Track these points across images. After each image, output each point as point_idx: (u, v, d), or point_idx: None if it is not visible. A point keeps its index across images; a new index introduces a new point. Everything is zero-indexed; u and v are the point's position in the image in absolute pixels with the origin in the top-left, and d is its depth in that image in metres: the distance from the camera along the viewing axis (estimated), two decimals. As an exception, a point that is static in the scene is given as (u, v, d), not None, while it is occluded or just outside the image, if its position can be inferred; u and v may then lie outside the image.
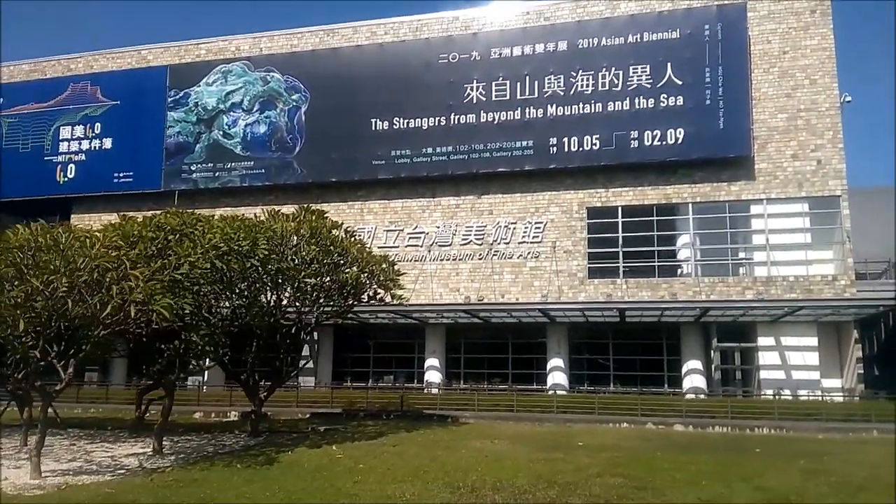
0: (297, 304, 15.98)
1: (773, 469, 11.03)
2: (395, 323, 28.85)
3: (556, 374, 27.40)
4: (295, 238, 14.39)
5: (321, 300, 16.29)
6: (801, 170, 26.01)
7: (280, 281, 14.70)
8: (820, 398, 23.08)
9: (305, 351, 29.54)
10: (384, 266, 16.71)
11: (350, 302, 17.09)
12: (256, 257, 13.05)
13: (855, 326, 24.48)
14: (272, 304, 15.33)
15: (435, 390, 27.16)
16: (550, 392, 26.36)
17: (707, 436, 17.58)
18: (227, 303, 14.17)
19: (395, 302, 18.09)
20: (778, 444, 15.05)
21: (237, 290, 14.05)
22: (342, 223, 16.78)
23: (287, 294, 15.47)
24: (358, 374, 29.92)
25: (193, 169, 31.52)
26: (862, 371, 24.17)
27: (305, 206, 16.08)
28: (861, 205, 36.42)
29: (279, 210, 15.29)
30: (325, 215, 15.66)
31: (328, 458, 12.01)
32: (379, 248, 29.00)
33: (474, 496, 8.59)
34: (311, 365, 29.40)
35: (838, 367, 25.31)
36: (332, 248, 14.89)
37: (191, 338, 12.80)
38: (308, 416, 21.36)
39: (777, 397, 23.07)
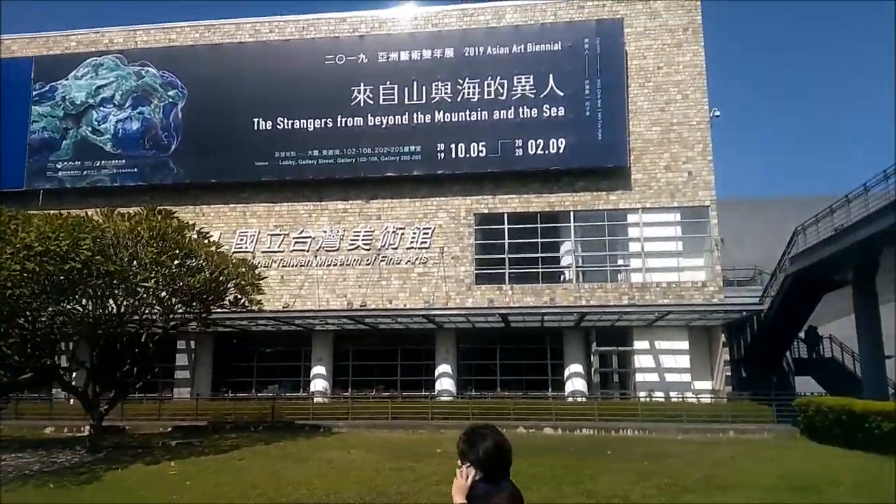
0: (139, 310, 14.87)
1: (612, 471, 11.24)
2: (279, 330, 27.90)
3: (444, 381, 27.30)
4: (130, 239, 13.34)
5: (173, 306, 15.23)
6: (674, 181, 27.17)
7: (112, 285, 13.61)
8: (688, 400, 24.06)
9: (182, 360, 28.29)
10: (242, 270, 15.85)
11: (203, 308, 16.02)
12: (77, 259, 11.99)
13: (723, 330, 25.75)
14: (102, 310, 14.17)
15: (319, 399, 26.46)
16: (441, 398, 26.22)
17: (570, 438, 17.88)
18: (47, 308, 12.99)
19: (254, 308, 17.21)
20: (632, 446, 15.46)
21: (54, 295, 12.86)
22: (195, 224, 15.82)
23: (121, 300, 14.36)
24: (241, 384, 28.66)
25: (59, 167, 29.33)
26: (730, 373, 25.45)
27: (150, 206, 15.04)
28: (736, 215, 38.85)
29: (116, 210, 14.21)
30: (174, 215, 14.70)
31: (158, 476, 11.24)
32: (263, 252, 28.22)
33: (292, 512, 8.17)
34: (186, 375, 28.12)
35: (709, 370, 26.57)
36: (177, 250, 13.90)
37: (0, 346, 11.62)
38: (170, 429, 20.13)
39: (649, 399, 23.88)
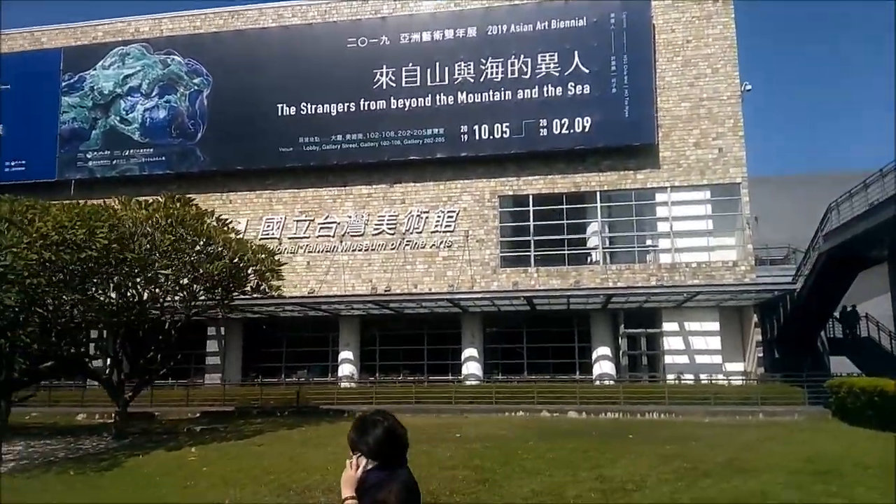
0: (160, 297, 15.01)
1: (631, 455, 11.01)
2: (305, 316, 28.10)
3: (471, 365, 27.22)
4: (149, 227, 13.43)
5: (196, 293, 15.35)
6: (704, 158, 26.48)
7: (131, 273, 13.74)
8: (718, 382, 23.58)
9: (212, 347, 28.71)
10: (262, 256, 15.88)
11: (223, 294, 16.07)
12: (93, 248, 12.11)
13: (755, 311, 25.14)
14: (123, 298, 14.32)
15: (346, 384, 26.65)
16: (467, 383, 26.20)
17: (594, 422, 17.63)
18: (66, 296, 13.17)
19: (274, 293, 17.26)
20: (657, 430, 15.17)
21: (73, 284, 13.02)
22: (214, 212, 15.89)
23: (140, 287, 14.50)
24: (270, 369, 28.99)
25: (89, 157, 29.85)
26: (762, 354, 24.85)
27: (169, 193, 15.14)
28: (769, 192, 37.81)
29: (134, 199, 14.31)
30: (192, 203, 14.75)
31: (178, 461, 11.37)
32: (290, 238, 28.44)
33: (300, 498, 8.15)
34: (216, 361, 28.56)
35: (741, 351, 26.00)
36: (196, 237, 13.96)
37: (18, 335, 11.80)
38: (198, 415, 20.45)
39: (678, 382, 23.48)
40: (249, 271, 15.88)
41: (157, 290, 14.72)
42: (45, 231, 11.25)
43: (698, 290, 23.09)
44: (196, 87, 29.51)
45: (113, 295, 14.03)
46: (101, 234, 12.13)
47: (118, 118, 29.80)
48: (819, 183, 33.80)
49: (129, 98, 29.82)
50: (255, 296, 16.92)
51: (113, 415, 15.48)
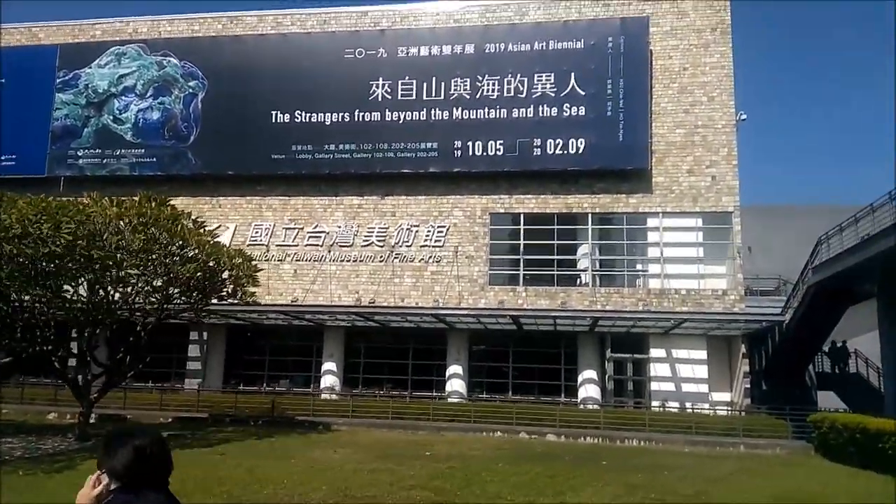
0: (130, 298, 14.69)
1: (599, 482, 10.72)
2: (290, 325, 27.78)
3: (455, 382, 26.88)
4: (119, 225, 13.14)
5: (170, 295, 15.02)
6: (697, 185, 26.37)
7: (97, 271, 13.40)
8: (703, 412, 23.28)
9: (194, 351, 28.33)
10: (238, 261, 15.59)
11: (197, 299, 15.74)
12: (58, 243, 11.83)
13: (743, 341, 24.88)
14: (92, 297, 13.98)
15: (327, 396, 26.26)
16: (450, 400, 25.84)
17: (571, 446, 17.35)
18: (30, 291, 12.84)
19: (248, 300, 16.94)
20: (632, 457, 14.89)
21: (38, 279, 12.71)
22: (191, 214, 15.62)
23: (109, 286, 14.16)
24: (252, 377, 28.58)
25: (80, 154, 29.62)
26: (749, 386, 24.55)
27: (145, 193, 14.88)
28: (762, 222, 37.72)
29: (104, 197, 14.05)
30: (168, 203, 14.47)
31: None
32: (277, 245, 28.20)
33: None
34: (198, 366, 28.16)
35: (728, 382, 25.72)
36: (171, 238, 13.65)
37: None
38: (170, 420, 20.05)
39: (662, 409, 23.17)
40: (224, 276, 15.52)
41: (127, 290, 14.38)
42: (9, 223, 10.97)
43: (686, 318, 22.89)
44: (191, 90, 29.37)
45: (82, 293, 13.68)
46: (67, 229, 11.84)
47: (111, 117, 29.61)
48: (816, 214, 33.63)
49: (123, 98, 29.65)
50: (232, 301, 16.57)
51: (77, 416, 15.10)
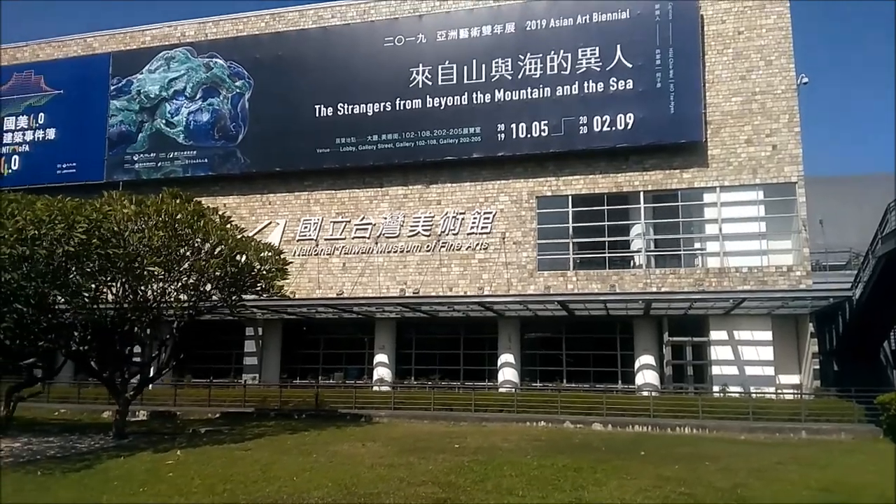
0: (154, 295, 14.87)
1: (626, 475, 10.04)
2: (341, 318, 27.94)
3: (507, 371, 26.44)
4: (140, 224, 13.25)
5: (202, 291, 15.16)
6: (756, 156, 24.83)
7: (120, 270, 13.55)
8: (768, 395, 21.93)
9: (250, 347, 28.92)
10: (266, 255, 15.54)
11: (227, 294, 15.79)
12: (71, 243, 11.99)
13: (811, 320, 23.33)
14: (124, 295, 14.18)
15: (377, 388, 26.27)
16: (501, 389, 25.40)
17: (614, 436, 16.59)
18: (48, 292, 13.12)
19: (276, 294, 16.90)
20: (677, 446, 14.03)
21: (55, 280, 12.90)
22: (217, 208, 15.66)
23: (128, 285, 14.34)
24: (307, 370, 28.98)
25: (136, 159, 30.62)
26: (818, 367, 23.02)
27: (169, 190, 14.99)
28: (834, 194, 35.35)
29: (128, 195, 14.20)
30: (192, 200, 14.55)
31: (153, 464, 11.18)
32: (326, 239, 28.39)
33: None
34: (254, 361, 28.73)
35: (796, 363, 24.25)
36: (193, 233, 13.70)
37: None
38: (217, 416, 20.43)
39: (723, 394, 21.99)
40: (256, 269, 15.54)
41: (151, 288, 14.60)
42: (22, 225, 11.24)
43: (745, 296, 21.57)
44: (238, 90, 29.84)
45: (108, 292, 13.98)
46: (81, 228, 12.03)
47: (163, 121, 30.45)
48: (888, 183, 31.24)
49: (173, 101, 30.43)
50: (278, 296, 16.62)
51: (115, 413, 15.50)
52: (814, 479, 10.02)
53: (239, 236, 15.63)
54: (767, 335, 23.70)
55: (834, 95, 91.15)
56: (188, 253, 14.17)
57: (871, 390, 18.39)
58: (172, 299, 15.14)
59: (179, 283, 14.95)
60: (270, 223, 28.98)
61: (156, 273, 13.73)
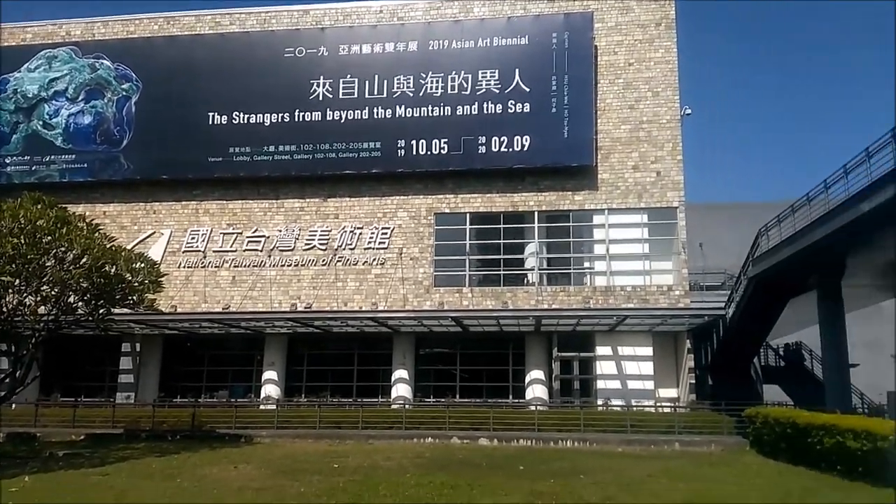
0: (5, 307, 13.77)
1: (502, 491, 10.09)
2: (227, 333, 26.89)
3: (400, 387, 26.23)
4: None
5: (68, 304, 14.12)
6: (642, 181, 26.06)
7: None
8: (647, 409, 22.85)
9: (126, 364, 27.31)
10: (139, 266, 14.71)
11: (93, 308, 14.75)
12: None
13: (688, 336, 24.56)
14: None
15: (264, 405, 25.35)
16: (394, 406, 25.11)
17: (499, 450, 16.73)
18: None
19: (141, 308, 16.02)
20: (555, 460, 14.28)
21: None
22: (84, 215, 14.71)
23: None
24: (189, 388, 27.59)
25: (8, 162, 28.42)
26: (694, 381, 24.25)
27: (29, 195, 14.00)
28: (713, 219, 37.68)
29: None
30: (57, 206, 13.59)
31: (-8, 493, 10.16)
32: (215, 251, 27.29)
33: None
34: (130, 379, 27.13)
35: (674, 378, 25.40)
36: (54, 242, 12.76)
37: None
38: (82, 437, 19.04)
39: (605, 408, 22.72)
40: (127, 281, 14.56)
41: (4, 299, 13.44)
42: None
43: (627, 314, 22.48)
44: (124, 93, 28.39)
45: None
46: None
47: (41, 123, 28.49)
48: (770, 210, 33.59)
49: (53, 102, 28.56)
50: (136, 309, 15.65)
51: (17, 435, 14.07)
52: (679, 491, 10.41)
53: (108, 245, 14.64)
54: (648, 351, 24.78)
55: (718, 128, 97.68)
56: (49, 262, 13.11)
57: (741, 404, 19.52)
58: (29, 312, 13.95)
59: (39, 296, 13.82)
60: (154, 233, 27.60)
61: (8, 283, 12.62)
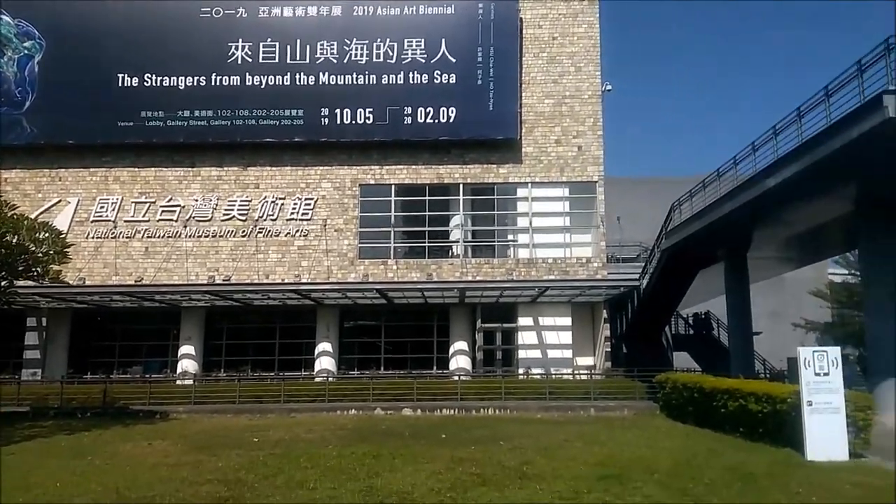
0: None
1: (422, 459, 10.22)
2: (140, 307, 25.86)
3: (324, 360, 26.03)
4: None
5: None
6: (564, 155, 26.52)
7: None
8: (565, 377, 23.62)
9: (32, 339, 25.94)
10: (42, 236, 13.89)
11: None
12: None
13: (605, 307, 25.44)
14: None
15: (181, 381, 24.65)
16: (317, 378, 24.90)
17: (422, 420, 16.99)
18: None
19: (47, 281, 15.26)
20: (476, 428, 14.60)
21: None
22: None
23: None
24: (101, 364, 26.45)
25: None
26: (609, 349, 25.22)
27: None
28: (632, 193, 38.89)
29: None
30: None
31: None
32: (126, 221, 26.05)
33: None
34: (37, 355, 25.79)
35: (591, 347, 26.29)
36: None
37: None
38: (-16, 415, 18.03)
39: (526, 377, 23.33)
40: (31, 252, 13.72)
41: None
42: None
43: (548, 285, 23.01)
44: (27, 52, 26.43)
45: None
46: None
47: (-70, 80, 26.21)
48: (687, 185, 35.04)
49: (-57, 58, 26.29)
50: (42, 282, 14.81)
51: None
52: (593, 454, 10.85)
53: (10, 214, 13.71)
54: (567, 321, 25.50)
55: (640, 104, 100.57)
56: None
57: (653, 370, 20.45)
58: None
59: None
60: (60, 201, 26.07)
61: None
